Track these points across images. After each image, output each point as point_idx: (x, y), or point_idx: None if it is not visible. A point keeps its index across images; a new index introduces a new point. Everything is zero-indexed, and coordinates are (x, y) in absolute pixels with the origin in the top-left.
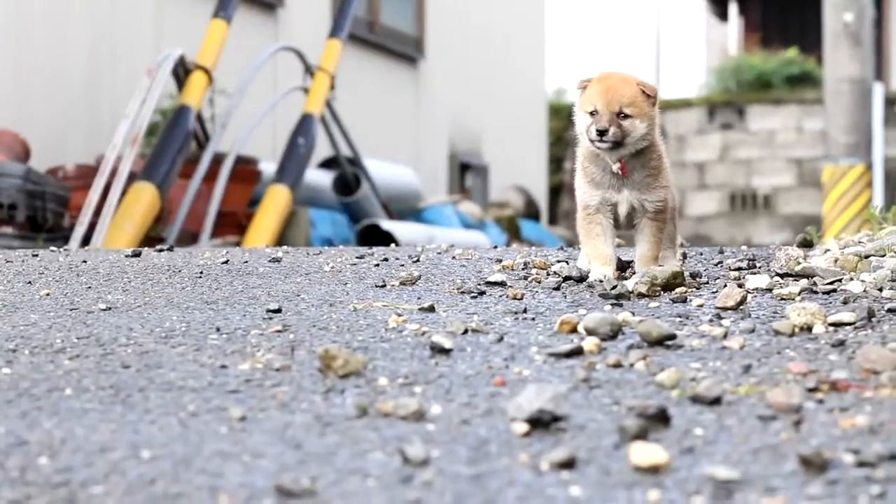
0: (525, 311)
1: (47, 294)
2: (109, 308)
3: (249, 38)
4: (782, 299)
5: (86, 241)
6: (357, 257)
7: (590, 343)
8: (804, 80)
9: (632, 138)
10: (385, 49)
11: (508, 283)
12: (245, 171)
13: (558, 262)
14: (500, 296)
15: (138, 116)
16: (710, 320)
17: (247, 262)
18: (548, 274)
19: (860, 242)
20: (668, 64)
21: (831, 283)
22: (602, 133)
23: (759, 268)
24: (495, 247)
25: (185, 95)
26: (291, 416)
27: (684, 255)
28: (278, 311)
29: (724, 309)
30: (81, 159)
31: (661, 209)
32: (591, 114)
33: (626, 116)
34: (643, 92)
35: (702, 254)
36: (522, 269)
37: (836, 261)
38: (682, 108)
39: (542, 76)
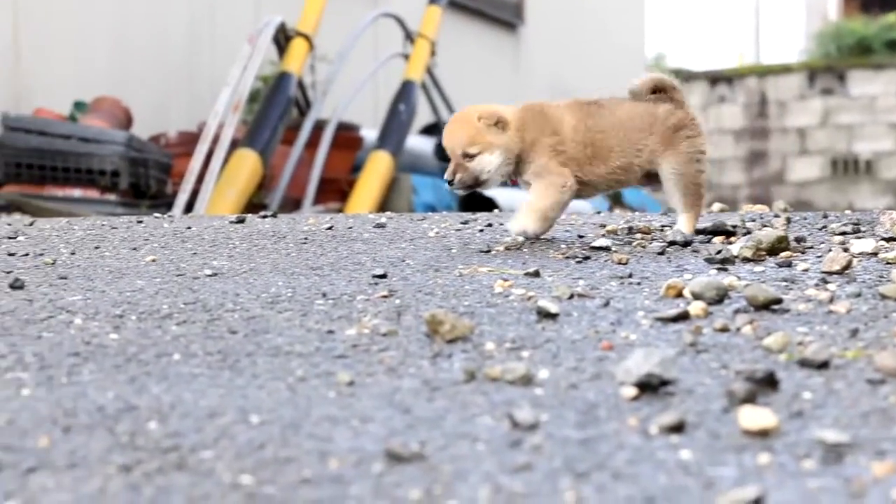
0: (630, 275)
1: (153, 260)
2: (215, 274)
3: (349, 4)
4: (888, 263)
5: (188, 207)
6: (461, 223)
7: (696, 307)
8: None
9: (487, 173)
10: (485, 15)
11: (613, 248)
12: (346, 137)
13: (662, 226)
14: (605, 260)
15: (239, 83)
16: (816, 284)
17: (351, 227)
18: (652, 238)
19: None
20: (768, 29)
21: None
22: (450, 183)
23: (864, 232)
24: (598, 212)
25: (286, 62)
26: (399, 381)
27: (788, 220)
28: (384, 276)
29: (830, 273)
30: (183, 126)
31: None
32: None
33: (471, 157)
34: (487, 124)
35: (805, 218)
36: (626, 233)
37: None
38: (782, 74)
39: (642, 42)
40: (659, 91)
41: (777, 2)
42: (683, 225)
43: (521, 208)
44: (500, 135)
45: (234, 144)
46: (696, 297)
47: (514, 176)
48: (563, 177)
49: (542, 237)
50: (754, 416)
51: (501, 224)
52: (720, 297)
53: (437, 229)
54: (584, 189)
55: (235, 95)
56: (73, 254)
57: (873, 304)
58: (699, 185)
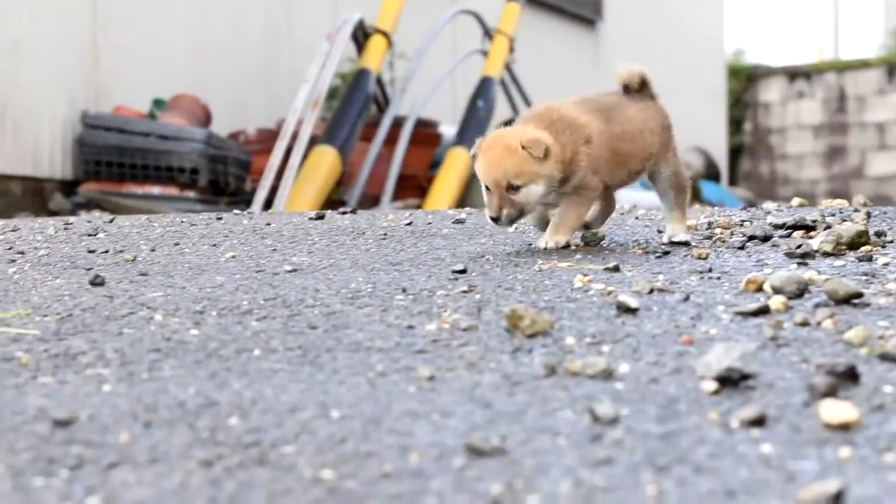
0: (710, 270)
1: (233, 256)
2: (295, 270)
3: (428, 1)
4: None
5: (268, 204)
6: None
7: (776, 302)
8: None
9: (531, 205)
10: (564, 12)
11: (693, 243)
12: (425, 134)
13: (742, 221)
14: (685, 255)
15: (318, 80)
16: None
17: (430, 223)
18: (731, 234)
19: None
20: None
21: None
22: (495, 220)
23: None
24: None
25: (365, 59)
26: (480, 376)
27: (868, 215)
28: (464, 271)
29: None
30: (262, 123)
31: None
32: (487, 189)
33: (517, 188)
34: (531, 154)
35: (885, 213)
36: (706, 228)
37: None
38: (861, 69)
39: (721, 37)
40: (642, 85)
41: None
42: (677, 226)
43: (554, 224)
44: (545, 164)
45: (313, 141)
46: (777, 291)
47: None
48: (595, 189)
49: (623, 234)
50: (835, 410)
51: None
52: (800, 291)
53: (517, 224)
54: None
55: (314, 92)
56: (153, 250)
57: None
58: (687, 185)
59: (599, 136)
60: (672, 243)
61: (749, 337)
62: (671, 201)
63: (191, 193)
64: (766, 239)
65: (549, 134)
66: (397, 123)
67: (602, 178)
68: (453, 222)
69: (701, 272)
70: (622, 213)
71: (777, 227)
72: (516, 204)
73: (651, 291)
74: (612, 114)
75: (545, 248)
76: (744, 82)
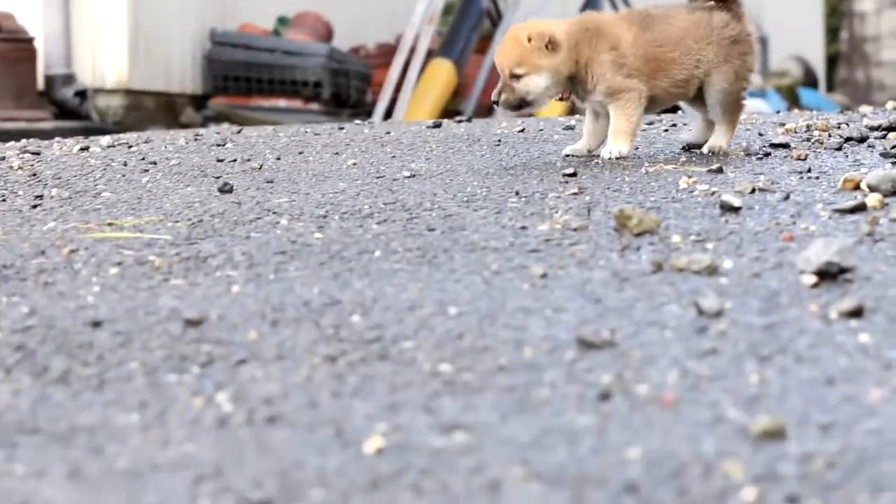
0: (809, 170)
1: (354, 164)
2: (413, 175)
3: None
4: None
5: (387, 114)
6: (646, 123)
7: (872, 199)
8: None
9: (533, 94)
10: None
11: (792, 145)
12: None
13: (839, 124)
14: (785, 157)
15: None
16: None
17: (542, 130)
18: (829, 135)
19: None
20: None
21: None
22: (495, 103)
23: None
24: (777, 112)
25: None
26: (590, 273)
27: None
28: (574, 174)
29: None
30: (381, 38)
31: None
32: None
33: (519, 77)
34: (537, 45)
35: None
36: (805, 131)
37: None
38: None
39: None
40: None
41: None
42: (720, 139)
43: (610, 133)
44: (549, 57)
45: (430, 54)
46: (873, 189)
47: (572, 94)
48: (634, 89)
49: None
50: None
51: (685, 124)
52: (895, 189)
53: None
54: (648, 104)
55: (430, 8)
56: (278, 159)
57: None
58: (740, 102)
59: (630, 45)
60: (772, 145)
61: (847, 233)
62: (718, 115)
63: (314, 106)
64: (861, 140)
65: (571, 35)
66: None
67: (641, 82)
68: (563, 128)
69: (800, 172)
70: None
71: (872, 129)
72: (517, 91)
73: (753, 191)
74: (653, 22)
75: (609, 158)
76: None
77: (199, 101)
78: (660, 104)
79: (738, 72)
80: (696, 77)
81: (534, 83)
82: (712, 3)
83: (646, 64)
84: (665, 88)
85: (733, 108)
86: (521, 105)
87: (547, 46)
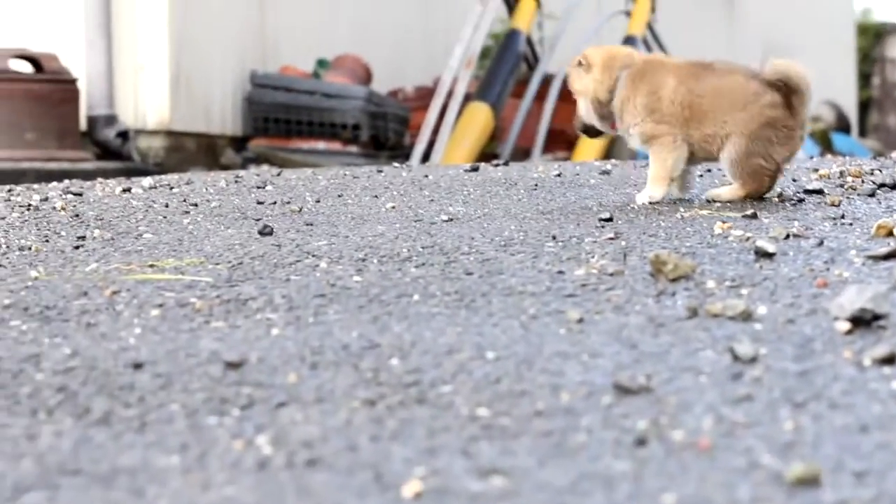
0: (843, 216)
1: (393, 207)
2: (451, 219)
3: None
4: None
5: (425, 157)
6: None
7: None
8: None
9: (584, 118)
10: None
11: (826, 191)
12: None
13: (871, 170)
14: (819, 202)
15: (472, 41)
16: None
17: (578, 174)
18: (862, 181)
19: None
20: None
21: None
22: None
23: None
24: (811, 157)
25: (515, 20)
26: (626, 318)
27: None
28: (610, 219)
29: None
30: (419, 82)
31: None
32: None
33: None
34: (573, 66)
35: None
36: (838, 177)
37: None
38: None
39: None
40: (784, 86)
41: None
42: (723, 190)
43: (648, 178)
44: (582, 78)
45: (468, 98)
46: None
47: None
48: (667, 134)
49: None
50: None
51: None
52: None
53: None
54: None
55: (468, 52)
56: (318, 202)
57: None
58: (757, 175)
59: (671, 91)
60: (806, 191)
61: (880, 279)
62: (729, 176)
63: (353, 148)
64: (894, 186)
65: (613, 61)
66: (546, 80)
67: (674, 128)
68: (600, 173)
69: (834, 218)
70: None
71: None
72: (578, 113)
73: (787, 237)
74: (706, 74)
75: (642, 204)
76: (872, 39)
77: (239, 143)
78: (695, 156)
79: (757, 149)
80: (719, 136)
81: (581, 105)
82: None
83: (682, 111)
84: (696, 140)
85: (744, 177)
86: (585, 129)
87: (580, 64)
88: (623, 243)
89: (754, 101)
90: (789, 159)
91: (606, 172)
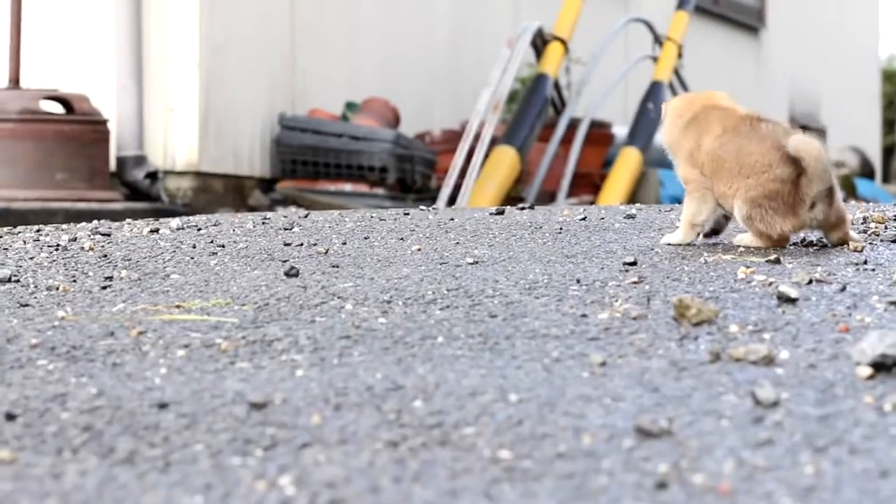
0: (865, 262)
1: (418, 249)
2: (476, 262)
3: (602, 10)
4: None
5: (452, 200)
6: None
7: None
8: None
9: None
10: (728, 20)
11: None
12: (598, 134)
13: (895, 216)
14: (842, 248)
15: (499, 85)
16: None
17: (603, 218)
18: (885, 227)
19: None
20: None
21: None
22: None
23: None
24: None
25: (543, 64)
26: (648, 362)
27: None
28: (634, 263)
29: None
30: (447, 125)
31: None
32: None
33: None
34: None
35: None
36: (862, 223)
37: None
38: None
39: (876, 43)
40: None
41: None
42: (747, 237)
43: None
44: (663, 127)
45: (494, 142)
46: None
47: None
48: (695, 181)
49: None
50: None
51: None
52: None
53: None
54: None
55: (495, 96)
56: (344, 244)
57: None
58: (763, 234)
59: (713, 138)
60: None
61: None
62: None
63: (380, 190)
64: None
65: (681, 110)
66: (573, 125)
67: (703, 176)
68: (625, 217)
69: (857, 264)
70: None
71: None
72: None
73: (810, 282)
74: (745, 129)
75: (664, 244)
76: None
77: (266, 184)
78: (724, 209)
79: (757, 216)
80: (728, 196)
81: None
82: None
83: (710, 162)
84: (719, 192)
85: (755, 235)
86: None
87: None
88: (647, 287)
89: (763, 172)
90: (799, 231)
91: (631, 216)
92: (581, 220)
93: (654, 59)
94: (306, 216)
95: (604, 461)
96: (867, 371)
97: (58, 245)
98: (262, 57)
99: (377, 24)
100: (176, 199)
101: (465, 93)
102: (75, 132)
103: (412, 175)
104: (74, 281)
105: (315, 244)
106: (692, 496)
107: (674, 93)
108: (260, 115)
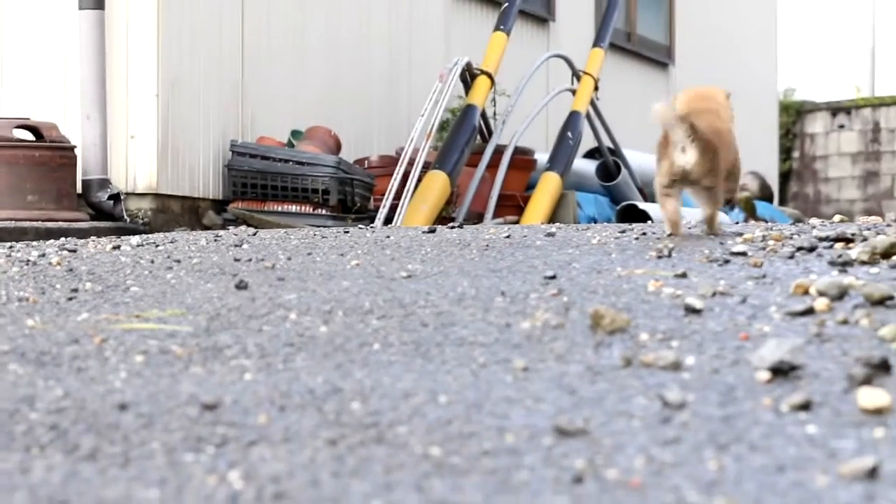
0: (764, 276)
1: (357, 264)
2: (410, 276)
3: (525, 47)
4: None
5: (388, 220)
6: (619, 232)
7: (821, 303)
8: None
9: None
10: (640, 56)
11: (749, 253)
12: (522, 160)
13: (791, 235)
14: (743, 264)
15: (432, 114)
16: None
17: (525, 236)
18: (783, 245)
19: None
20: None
21: None
22: None
23: None
24: (736, 223)
25: (472, 96)
26: (567, 367)
27: None
28: (553, 277)
29: None
30: (384, 151)
31: None
32: None
33: None
34: None
35: None
36: (761, 241)
37: None
38: (893, 105)
39: (774, 77)
40: None
41: (892, 41)
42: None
43: None
44: None
45: (427, 166)
46: (821, 294)
47: None
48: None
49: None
50: (871, 397)
51: (654, 233)
52: (841, 294)
53: (599, 238)
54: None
55: (428, 125)
56: (289, 259)
57: None
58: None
59: None
60: (732, 253)
61: (797, 333)
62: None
63: (322, 211)
64: (811, 249)
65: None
66: (498, 151)
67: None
68: (545, 235)
69: (756, 278)
70: (689, 229)
71: (821, 239)
72: None
73: (714, 294)
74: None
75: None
76: (793, 116)
77: (219, 205)
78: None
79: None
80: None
81: None
82: None
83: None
84: None
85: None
86: None
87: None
88: (565, 299)
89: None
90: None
91: (551, 234)
92: (506, 237)
93: (573, 92)
94: (255, 234)
95: (525, 458)
96: (766, 375)
97: (28, 260)
98: (215, 89)
99: (320, 60)
100: (137, 218)
101: (401, 122)
102: (45, 157)
103: (352, 197)
104: (43, 293)
105: (263, 259)
106: (606, 489)
107: (590, 122)
108: (213, 142)
